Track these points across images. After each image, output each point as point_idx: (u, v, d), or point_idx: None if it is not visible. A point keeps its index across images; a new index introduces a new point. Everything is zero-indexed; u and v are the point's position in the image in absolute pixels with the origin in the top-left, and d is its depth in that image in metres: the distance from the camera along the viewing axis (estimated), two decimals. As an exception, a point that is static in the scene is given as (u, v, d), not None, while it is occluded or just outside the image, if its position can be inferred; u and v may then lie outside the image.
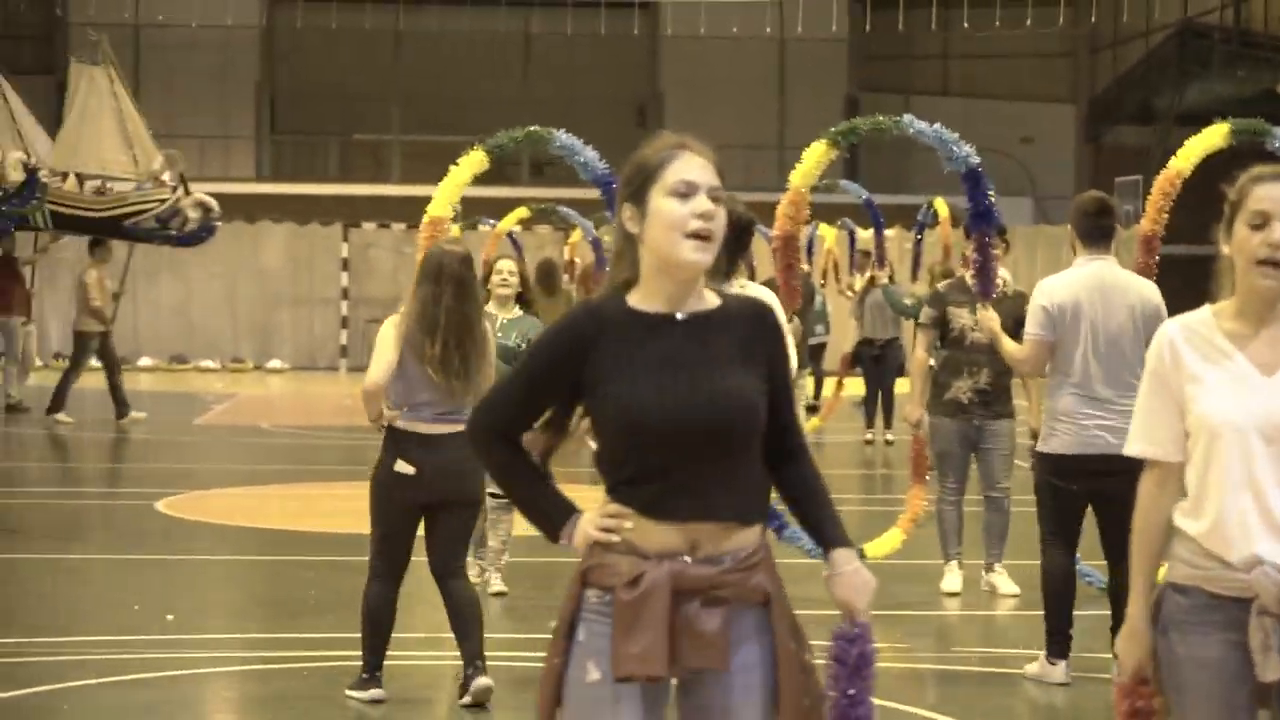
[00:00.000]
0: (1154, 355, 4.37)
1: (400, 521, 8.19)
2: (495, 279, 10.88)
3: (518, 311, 10.86)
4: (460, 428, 8.14)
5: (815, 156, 10.46)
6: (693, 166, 3.92)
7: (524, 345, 10.39)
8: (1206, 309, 4.37)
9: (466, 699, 8.17)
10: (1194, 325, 4.34)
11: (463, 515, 8.31)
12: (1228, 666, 4.21)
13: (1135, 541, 4.41)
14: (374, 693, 8.23)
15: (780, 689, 3.92)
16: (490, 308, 10.59)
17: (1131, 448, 4.43)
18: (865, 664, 3.97)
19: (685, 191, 3.89)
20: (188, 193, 22.00)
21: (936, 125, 10.39)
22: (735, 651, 3.89)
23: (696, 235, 3.88)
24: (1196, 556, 4.26)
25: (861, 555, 12.12)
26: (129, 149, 23.05)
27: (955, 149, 10.23)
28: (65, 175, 22.22)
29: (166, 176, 22.43)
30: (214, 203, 22.12)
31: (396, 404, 8.23)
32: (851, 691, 3.97)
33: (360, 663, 8.26)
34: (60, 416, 21.98)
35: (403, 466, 8.10)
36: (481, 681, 8.16)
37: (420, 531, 8.33)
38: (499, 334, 10.24)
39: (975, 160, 10.24)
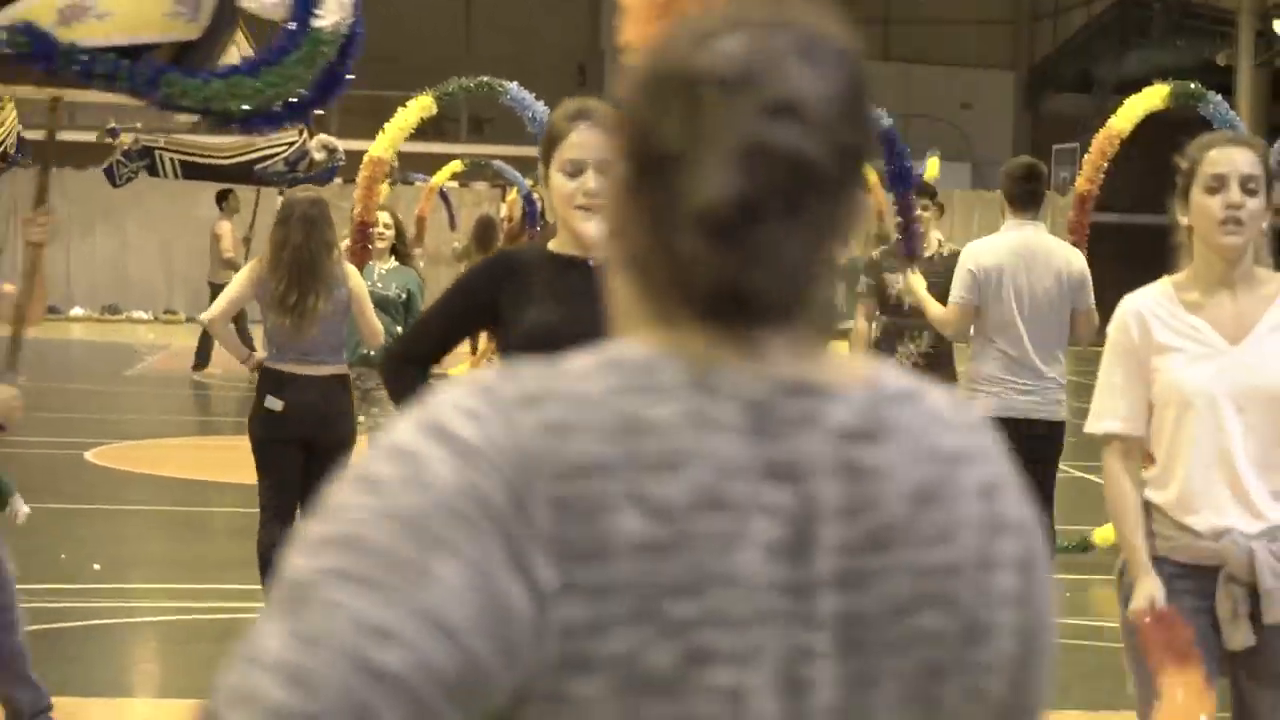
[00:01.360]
0: (1118, 330, 4.36)
1: (279, 460, 8.24)
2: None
3: (394, 262, 10.81)
4: (323, 370, 8.26)
5: None
6: (584, 143, 4.15)
7: (404, 296, 10.53)
8: (1165, 281, 4.37)
9: None
10: (1157, 298, 4.34)
11: (334, 459, 8.35)
12: (1195, 635, 4.21)
13: (1116, 514, 4.39)
14: None
15: None
16: None
17: (1096, 425, 4.41)
18: None
19: (572, 171, 4.17)
20: (312, 135, 21.97)
21: None
22: None
23: (584, 208, 4.16)
24: (1163, 526, 4.27)
25: None
26: None
27: None
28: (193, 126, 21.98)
29: None
30: (338, 144, 22.13)
31: (266, 347, 8.35)
32: None
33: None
34: (210, 370, 21.96)
35: (271, 402, 8.23)
36: None
37: None
38: (378, 284, 10.39)
39: (886, 122, 10.25)
